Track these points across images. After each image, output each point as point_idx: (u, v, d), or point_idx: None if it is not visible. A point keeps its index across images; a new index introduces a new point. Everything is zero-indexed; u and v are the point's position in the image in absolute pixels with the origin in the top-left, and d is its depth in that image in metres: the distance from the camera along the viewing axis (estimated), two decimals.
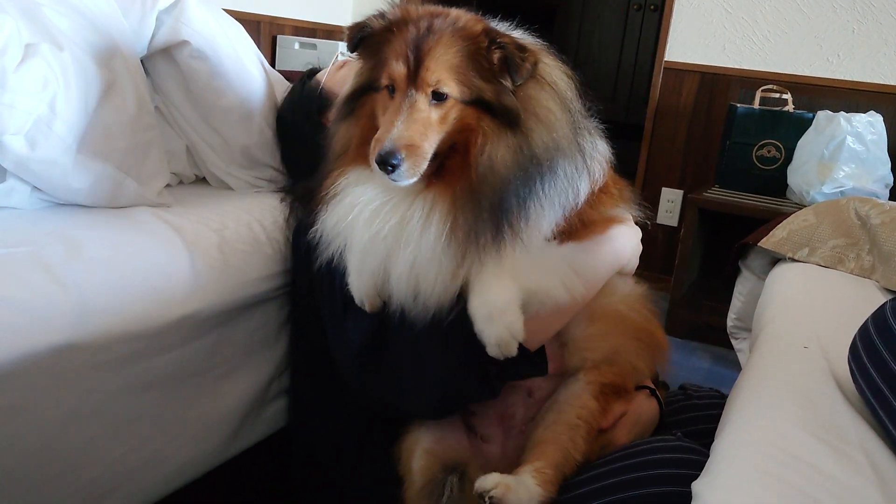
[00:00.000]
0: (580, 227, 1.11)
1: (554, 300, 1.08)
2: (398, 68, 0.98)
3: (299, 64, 3.11)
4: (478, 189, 0.98)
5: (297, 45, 3.21)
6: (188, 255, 1.27)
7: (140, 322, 1.15)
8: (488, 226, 0.98)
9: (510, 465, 1.10)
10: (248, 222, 1.44)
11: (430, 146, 0.97)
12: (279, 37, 3.19)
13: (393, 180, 0.97)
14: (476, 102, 0.99)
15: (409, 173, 0.96)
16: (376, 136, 0.98)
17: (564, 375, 1.19)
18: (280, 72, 1.91)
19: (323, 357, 1.31)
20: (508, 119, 0.99)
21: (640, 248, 1.29)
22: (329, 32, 3.48)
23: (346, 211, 1.05)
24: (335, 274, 1.13)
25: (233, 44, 1.62)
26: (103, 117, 1.33)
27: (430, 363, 1.12)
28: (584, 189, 1.07)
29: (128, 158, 1.37)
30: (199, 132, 1.62)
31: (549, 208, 1.02)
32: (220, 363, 1.33)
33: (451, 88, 0.97)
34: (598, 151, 1.12)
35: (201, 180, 1.71)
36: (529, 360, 1.10)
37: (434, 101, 0.98)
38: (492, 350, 1.02)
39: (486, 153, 0.98)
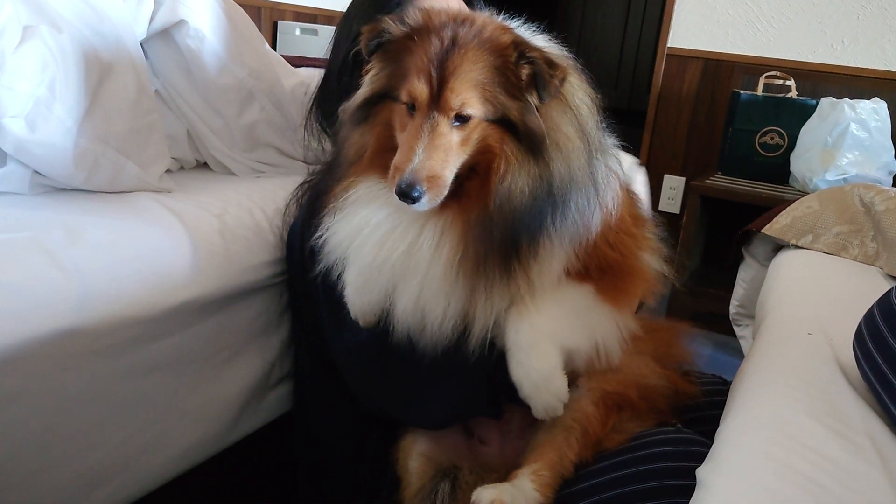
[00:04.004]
0: (597, 271, 1.06)
1: (588, 358, 1.09)
2: (420, 88, 0.92)
3: (300, 50, 3.09)
4: (492, 219, 0.94)
5: (297, 31, 3.19)
6: (189, 240, 1.27)
7: (141, 307, 1.15)
8: (498, 260, 0.95)
9: (508, 468, 1.09)
10: (250, 208, 1.43)
11: (451, 174, 0.93)
12: (280, 22, 3.17)
13: (411, 206, 0.93)
14: (500, 121, 0.94)
15: (430, 204, 0.92)
16: (395, 162, 0.93)
17: None
18: (282, 57, 1.90)
19: (324, 344, 1.31)
20: (531, 143, 0.94)
21: None
22: (330, 18, 3.45)
23: (354, 232, 1.01)
24: (335, 285, 1.10)
25: (231, 21, 1.61)
26: (103, 100, 1.33)
27: (441, 390, 1.11)
28: (595, 223, 1.01)
29: (128, 142, 1.36)
30: (200, 115, 1.61)
31: (558, 245, 0.98)
32: (221, 349, 1.33)
33: (475, 109, 0.92)
34: (613, 173, 1.06)
35: (202, 165, 1.71)
36: None
37: (457, 123, 0.93)
38: (539, 414, 1.03)
39: (507, 182, 0.94)
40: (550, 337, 1.01)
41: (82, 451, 1.11)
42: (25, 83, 1.21)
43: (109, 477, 1.16)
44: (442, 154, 0.92)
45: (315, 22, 3.37)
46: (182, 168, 1.66)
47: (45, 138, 1.24)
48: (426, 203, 0.91)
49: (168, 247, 1.24)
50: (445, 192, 0.93)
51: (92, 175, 1.32)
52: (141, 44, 1.51)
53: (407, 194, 0.90)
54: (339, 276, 1.07)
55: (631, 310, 1.15)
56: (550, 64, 0.93)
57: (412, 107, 0.94)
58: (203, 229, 1.31)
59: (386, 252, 0.98)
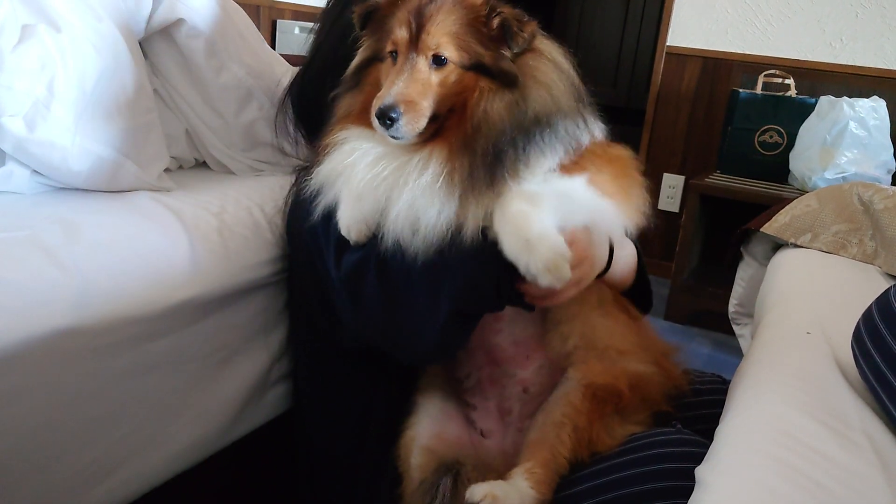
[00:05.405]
0: (592, 169, 1.07)
1: (586, 229, 1.08)
2: (401, 33, 1.03)
3: (299, 48, 3.09)
4: (472, 138, 1.01)
5: (296, 30, 3.19)
6: (188, 239, 1.27)
7: (140, 306, 1.15)
8: (484, 171, 1.01)
9: (509, 461, 1.10)
10: (248, 206, 1.43)
11: (428, 105, 1.01)
12: (279, 21, 3.17)
13: (392, 136, 1.01)
14: (475, 67, 1.03)
15: (408, 129, 1.00)
16: (378, 94, 1.02)
17: (558, 373, 1.18)
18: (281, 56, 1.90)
19: (322, 341, 1.31)
20: (506, 80, 1.02)
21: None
22: None
23: (346, 155, 1.08)
24: (333, 227, 1.12)
25: (230, 20, 1.60)
26: (102, 100, 1.32)
27: (439, 289, 1.08)
28: (585, 140, 1.08)
29: (127, 141, 1.36)
30: (198, 114, 1.61)
31: (550, 153, 1.04)
32: (220, 347, 1.33)
33: (451, 53, 1.02)
34: (599, 130, 1.14)
35: (201, 164, 1.71)
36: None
37: (434, 66, 1.02)
38: (544, 280, 0.95)
39: (482, 106, 1.02)
40: (538, 204, 1.00)
41: (81, 448, 1.11)
42: (24, 82, 1.21)
43: (108, 474, 1.16)
44: (419, 86, 1.01)
45: (314, 21, 3.37)
46: (181, 167, 1.66)
47: (44, 137, 1.24)
48: (403, 126, 0.99)
49: (167, 245, 1.24)
50: (423, 122, 1.01)
51: (91, 174, 1.32)
52: (140, 43, 1.51)
53: (385, 114, 0.99)
54: (334, 210, 1.10)
55: (629, 208, 1.13)
56: (518, 18, 1.03)
57: (395, 55, 1.05)
58: (202, 228, 1.31)
59: (378, 169, 1.05)
